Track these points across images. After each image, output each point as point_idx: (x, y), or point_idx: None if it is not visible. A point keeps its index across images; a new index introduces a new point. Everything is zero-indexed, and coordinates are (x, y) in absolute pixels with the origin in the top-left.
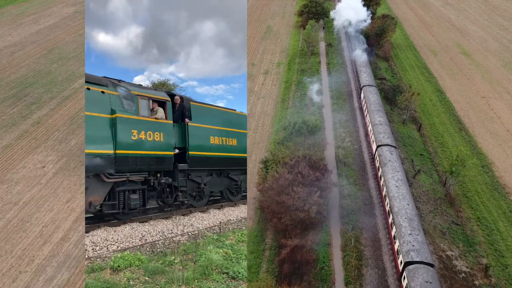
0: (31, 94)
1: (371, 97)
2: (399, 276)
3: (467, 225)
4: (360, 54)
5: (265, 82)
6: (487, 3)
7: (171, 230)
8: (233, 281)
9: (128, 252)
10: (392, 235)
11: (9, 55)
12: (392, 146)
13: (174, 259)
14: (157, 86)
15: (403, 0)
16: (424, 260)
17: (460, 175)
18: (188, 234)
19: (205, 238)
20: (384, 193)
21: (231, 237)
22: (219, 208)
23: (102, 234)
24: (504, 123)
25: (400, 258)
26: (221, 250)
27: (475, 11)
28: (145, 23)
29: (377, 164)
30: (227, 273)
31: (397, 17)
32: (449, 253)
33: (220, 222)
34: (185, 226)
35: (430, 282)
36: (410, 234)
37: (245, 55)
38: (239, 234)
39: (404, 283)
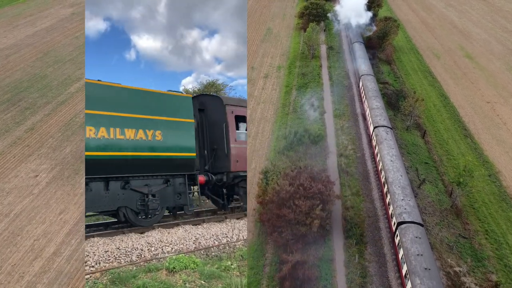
0: (26, 99)
1: (369, 84)
2: (392, 235)
3: (475, 238)
4: (358, 47)
5: (265, 87)
6: (489, 4)
7: (226, 234)
8: None
9: (183, 255)
10: (387, 202)
11: (4, 58)
12: (387, 127)
13: (230, 264)
14: (206, 87)
15: (404, 2)
16: (414, 220)
17: (468, 186)
18: (244, 239)
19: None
20: (380, 167)
21: None
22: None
23: (156, 236)
24: (510, 129)
25: (394, 219)
26: None
27: (477, 12)
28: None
29: (374, 143)
30: None
31: (399, 19)
32: (457, 269)
33: None
34: (240, 230)
35: (420, 237)
36: (402, 199)
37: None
38: None
39: (397, 240)
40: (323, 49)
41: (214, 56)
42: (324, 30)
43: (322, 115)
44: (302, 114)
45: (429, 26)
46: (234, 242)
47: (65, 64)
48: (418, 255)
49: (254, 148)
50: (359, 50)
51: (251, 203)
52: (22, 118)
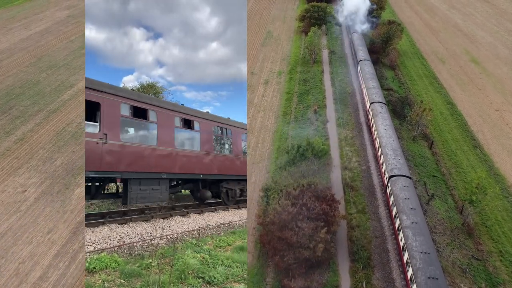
0: (17, 106)
1: (366, 68)
2: (384, 187)
3: (488, 260)
4: (357, 36)
5: (265, 93)
6: (494, 7)
7: (150, 233)
8: (208, 286)
9: (105, 254)
10: (380, 162)
11: None
12: (382, 103)
13: (151, 262)
14: (145, 88)
15: (407, 4)
16: (403, 174)
17: (481, 204)
18: (167, 238)
19: (183, 242)
20: (375, 135)
21: (209, 242)
22: (199, 213)
23: None
24: None
25: (386, 175)
26: (198, 255)
27: (482, 15)
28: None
29: (370, 116)
30: (203, 278)
31: (402, 22)
32: None
33: (200, 227)
34: (164, 229)
35: (407, 186)
36: (394, 158)
37: (236, 64)
38: (217, 239)
39: (388, 190)
40: (325, 53)
41: (156, 59)
42: (326, 34)
43: (325, 124)
44: (304, 123)
45: (433, 29)
46: (157, 240)
47: (59, 70)
48: (405, 199)
49: (254, 160)
50: (358, 39)
51: (251, 221)
52: (12, 128)
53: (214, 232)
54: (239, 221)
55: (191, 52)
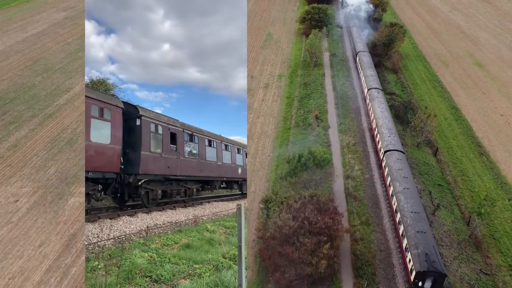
0: (11, 112)
1: (364, 58)
2: (380, 162)
3: (497, 275)
4: (355, 29)
5: (265, 98)
6: (496, 8)
7: (97, 234)
8: (155, 284)
9: None
10: (377, 140)
11: None
12: (378, 89)
13: (97, 264)
14: (95, 84)
15: (409, 5)
16: (397, 149)
17: (490, 216)
18: (114, 239)
19: (131, 242)
20: (372, 117)
21: (156, 241)
22: (147, 213)
23: None
24: None
25: (382, 150)
26: (146, 254)
27: (484, 16)
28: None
29: (368, 101)
30: (150, 277)
31: (404, 24)
32: None
33: (148, 227)
34: (111, 230)
35: (400, 159)
36: (389, 136)
37: (187, 68)
38: (165, 238)
39: (383, 163)
40: (326, 56)
41: (108, 55)
42: (327, 36)
43: (326, 130)
44: (305, 128)
45: (435, 31)
46: (104, 241)
47: (55, 73)
48: (399, 169)
49: (253, 168)
50: (356, 32)
51: (251, 233)
52: (6, 134)
53: (162, 231)
54: (185, 219)
55: (144, 52)
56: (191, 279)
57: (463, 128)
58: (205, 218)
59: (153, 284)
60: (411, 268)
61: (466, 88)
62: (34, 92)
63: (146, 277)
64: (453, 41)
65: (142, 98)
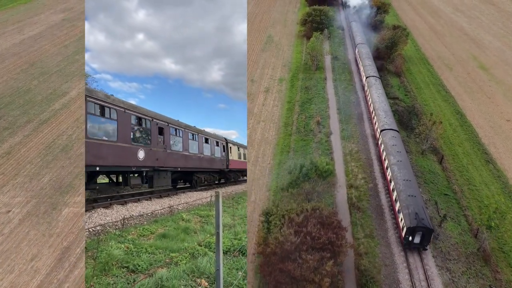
0: (5, 117)
1: (363, 50)
2: (376, 140)
3: None
4: (355, 24)
5: (265, 102)
6: (500, 10)
7: None
8: (133, 274)
9: None
10: (374, 122)
11: None
12: (376, 76)
13: None
14: None
15: (410, 6)
16: (392, 128)
17: (500, 230)
18: (89, 231)
19: (107, 234)
20: (370, 102)
21: (133, 232)
22: (122, 204)
23: None
24: None
25: (378, 130)
26: (122, 245)
27: (488, 18)
28: None
29: (366, 88)
30: (127, 267)
31: (406, 26)
32: None
33: (123, 218)
34: (86, 222)
35: (395, 137)
36: (385, 117)
37: (161, 59)
38: (141, 229)
39: (380, 140)
40: (328, 59)
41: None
42: (329, 38)
43: (328, 137)
44: (307, 135)
45: (438, 33)
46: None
47: (51, 77)
48: (393, 145)
49: (253, 176)
50: (355, 26)
51: (251, 246)
52: (0, 140)
53: (138, 222)
54: (161, 209)
55: (118, 41)
56: (168, 268)
57: (468, 134)
58: (180, 208)
59: (130, 274)
60: (402, 226)
61: (470, 93)
62: (29, 96)
63: (123, 268)
64: (456, 43)
65: (116, 88)
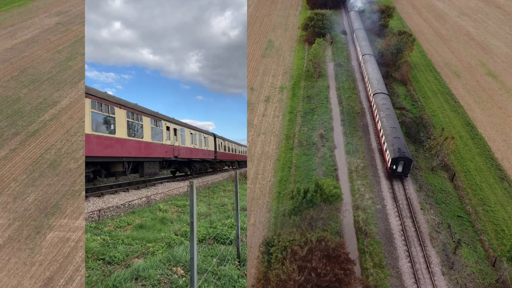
0: None
1: (360, 34)
2: (370, 103)
3: None
4: (354, 13)
5: (266, 113)
6: (506, 13)
7: None
8: (109, 266)
9: None
10: (368, 87)
11: None
12: (371, 54)
13: None
14: None
15: (415, 10)
16: (382, 92)
17: None
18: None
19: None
20: (365, 74)
21: (109, 224)
22: (99, 196)
23: None
24: None
25: (372, 94)
26: (98, 237)
27: (494, 22)
28: None
29: (362, 64)
30: (103, 259)
31: (411, 30)
32: None
33: (100, 210)
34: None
35: (385, 98)
36: (377, 85)
37: (139, 49)
38: (118, 220)
39: (373, 102)
40: (330, 66)
41: None
42: (331, 43)
43: (333, 151)
44: (309, 149)
45: (444, 38)
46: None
47: (42, 84)
48: (383, 104)
49: (253, 195)
50: (354, 15)
51: (250, 276)
52: None
53: (115, 214)
54: (138, 199)
55: (94, 29)
56: (145, 258)
57: (480, 148)
58: (158, 199)
59: (106, 266)
60: (388, 159)
61: (480, 102)
62: (18, 106)
63: (99, 260)
64: (463, 49)
65: (93, 78)
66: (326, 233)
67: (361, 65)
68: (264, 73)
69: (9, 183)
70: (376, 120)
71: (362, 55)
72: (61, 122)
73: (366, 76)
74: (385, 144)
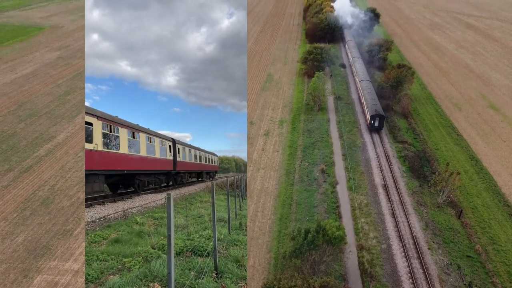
0: None
1: (350, 43)
2: (356, 88)
3: None
4: (346, 30)
5: (265, 147)
6: (503, 46)
7: None
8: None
9: None
10: (354, 78)
11: None
12: (359, 57)
13: None
14: None
15: (413, 43)
16: (366, 79)
17: None
18: None
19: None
20: (354, 69)
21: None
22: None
23: None
24: None
25: (358, 81)
26: None
27: (492, 55)
28: None
29: (350, 60)
30: None
31: (410, 63)
32: None
33: None
34: None
35: (368, 83)
36: (362, 74)
37: (116, 61)
38: (93, 235)
39: (359, 87)
40: (330, 100)
41: None
42: (331, 76)
43: (334, 187)
44: (310, 184)
45: (443, 70)
46: None
47: (39, 119)
48: (366, 86)
49: (252, 234)
50: (346, 31)
51: None
52: None
53: (89, 228)
54: (114, 213)
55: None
56: (121, 274)
57: (486, 183)
58: (134, 211)
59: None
60: (368, 116)
61: (483, 135)
62: (13, 141)
63: None
64: (463, 81)
65: None
66: (330, 278)
67: (350, 61)
68: (264, 106)
69: None
70: (361, 95)
71: (353, 58)
72: (56, 157)
73: (355, 69)
74: (366, 108)
